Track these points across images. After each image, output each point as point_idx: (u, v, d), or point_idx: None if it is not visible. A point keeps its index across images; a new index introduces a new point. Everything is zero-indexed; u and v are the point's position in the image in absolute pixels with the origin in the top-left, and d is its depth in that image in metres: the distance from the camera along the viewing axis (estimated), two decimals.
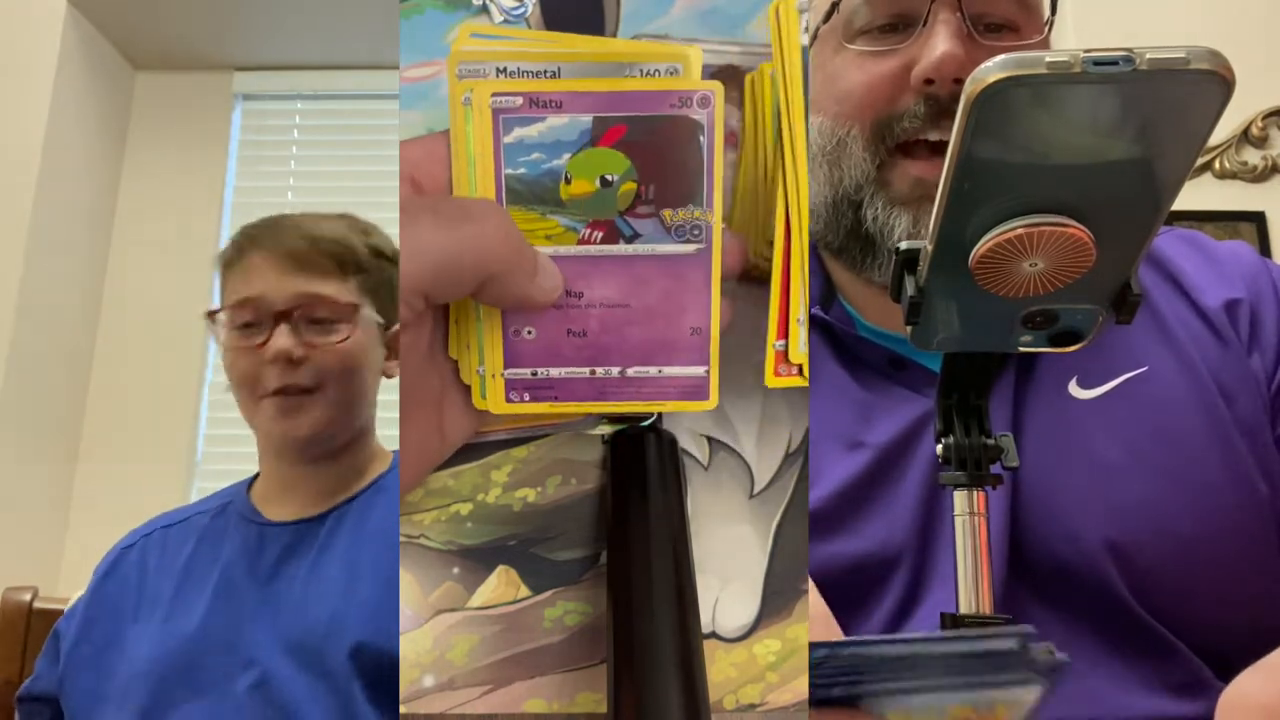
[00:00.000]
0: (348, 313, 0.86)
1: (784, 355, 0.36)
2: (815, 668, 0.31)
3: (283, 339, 0.84)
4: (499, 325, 0.35)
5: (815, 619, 0.36)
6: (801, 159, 0.34)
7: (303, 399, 0.85)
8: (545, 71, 0.34)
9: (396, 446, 0.96)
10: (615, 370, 0.35)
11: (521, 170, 0.34)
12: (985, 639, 0.30)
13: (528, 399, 0.36)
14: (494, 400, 0.35)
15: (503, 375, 0.35)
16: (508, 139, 0.34)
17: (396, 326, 0.94)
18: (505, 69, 0.34)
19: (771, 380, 0.36)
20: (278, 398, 0.85)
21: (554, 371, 0.35)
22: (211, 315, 0.89)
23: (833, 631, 0.35)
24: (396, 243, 0.96)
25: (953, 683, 0.31)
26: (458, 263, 0.32)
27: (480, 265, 0.32)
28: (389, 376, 0.93)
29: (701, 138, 0.34)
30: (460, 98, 0.33)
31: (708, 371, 0.36)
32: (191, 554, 0.89)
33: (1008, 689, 0.30)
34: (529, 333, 0.35)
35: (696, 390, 0.36)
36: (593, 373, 0.35)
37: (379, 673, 0.78)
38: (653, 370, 0.36)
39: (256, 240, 0.88)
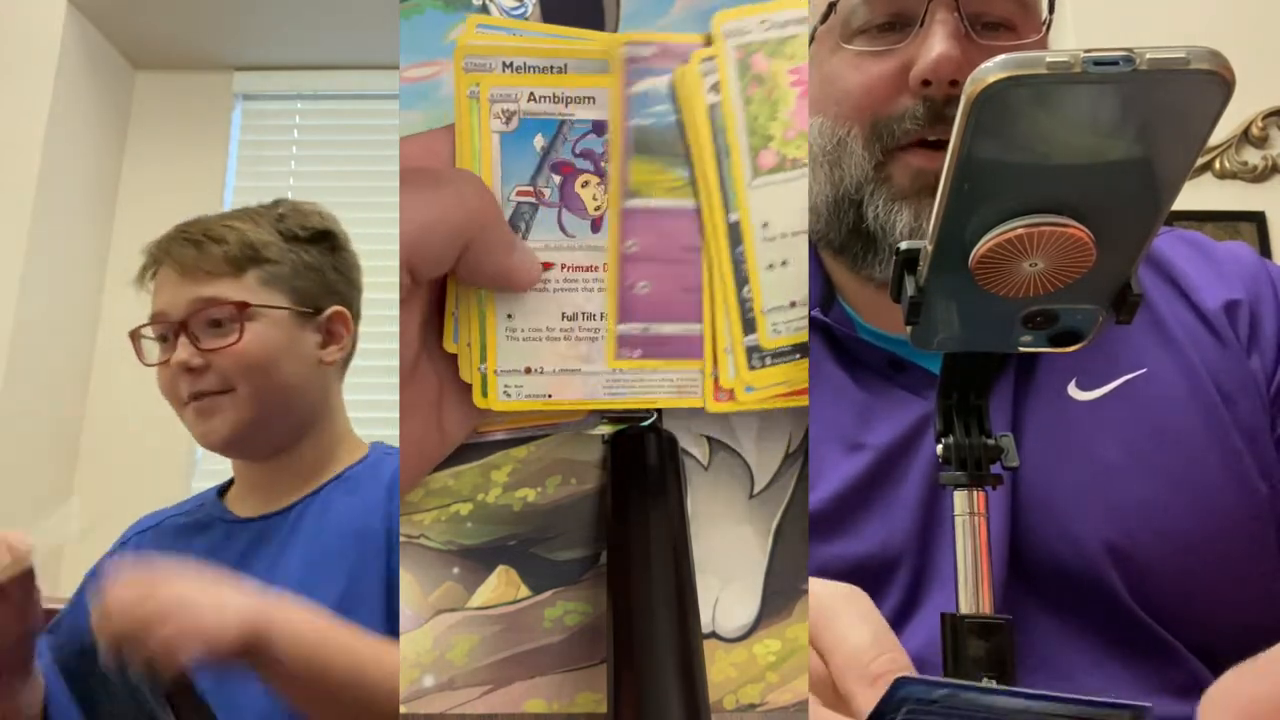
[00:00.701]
0: (236, 311, 0.86)
1: (716, 383, 0.36)
2: (908, 703, 0.30)
3: (180, 350, 0.85)
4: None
5: (880, 635, 0.36)
6: (717, 202, 0.35)
7: (216, 400, 0.85)
8: (552, 67, 0.34)
9: (392, 445, 0.96)
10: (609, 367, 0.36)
11: (649, 121, 0.34)
12: (1098, 708, 0.29)
13: (639, 354, 0.36)
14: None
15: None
16: (635, 89, 0.34)
17: (331, 310, 0.93)
18: (511, 64, 0.34)
19: (711, 405, 0.37)
20: (193, 404, 0.86)
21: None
22: (134, 335, 0.90)
23: (900, 648, 0.35)
24: (328, 223, 0.96)
25: None
26: (434, 228, 0.32)
27: (456, 230, 0.32)
28: (328, 363, 0.92)
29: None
30: (466, 90, 0.33)
31: (701, 371, 0.36)
32: (166, 555, 0.88)
33: None
34: (643, 286, 0.35)
35: (690, 387, 0.36)
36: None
37: None
38: (649, 365, 0.36)
39: (156, 256, 0.89)
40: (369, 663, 0.68)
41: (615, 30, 0.37)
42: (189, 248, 0.87)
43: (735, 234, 0.35)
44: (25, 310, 1.94)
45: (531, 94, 0.34)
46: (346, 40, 2.25)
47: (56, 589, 1.44)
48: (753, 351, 0.36)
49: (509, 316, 0.35)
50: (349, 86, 2.34)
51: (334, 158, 2.34)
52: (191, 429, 0.87)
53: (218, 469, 2.14)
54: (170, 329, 0.86)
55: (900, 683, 0.29)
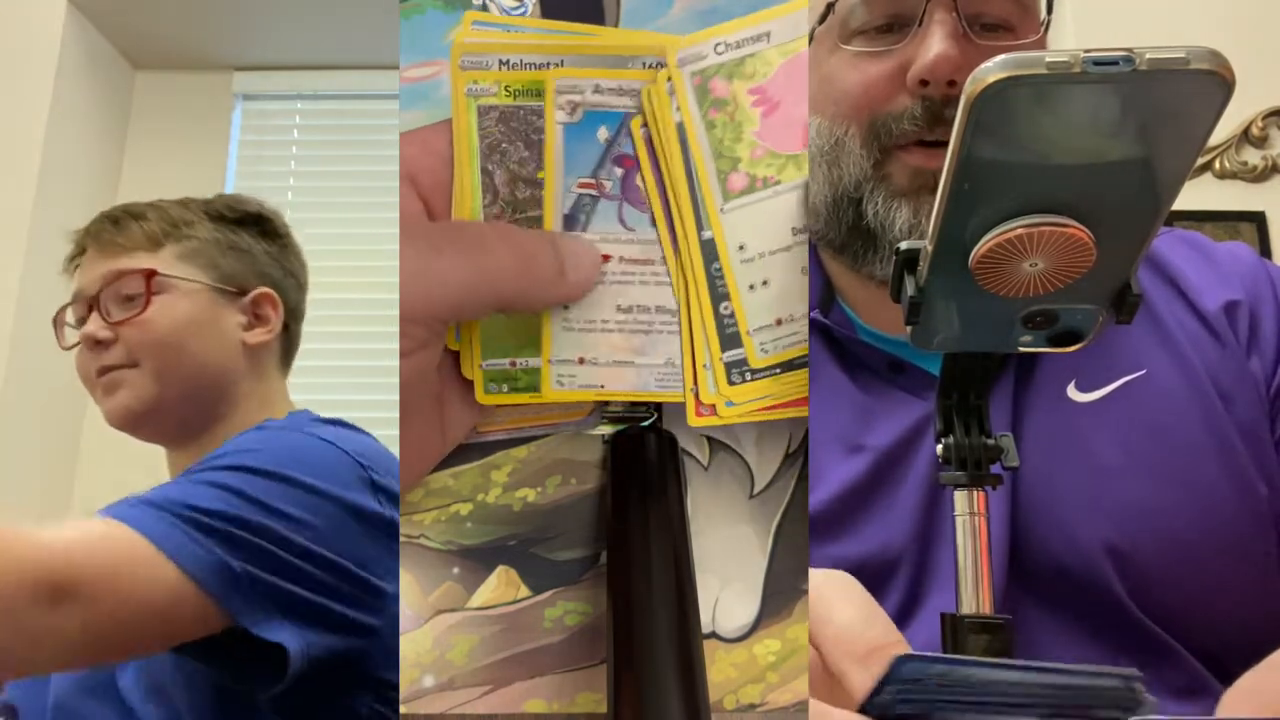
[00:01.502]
0: (144, 281, 0.82)
1: (697, 398, 0.36)
2: (905, 682, 0.30)
3: (90, 324, 0.82)
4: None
5: (872, 617, 0.35)
6: (689, 219, 0.35)
7: (122, 374, 0.82)
8: (549, 63, 0.34)
9: (393, 446, 0.95)
10: (662, 359, 0.36)
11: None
12: (1092, 675, 0.30)
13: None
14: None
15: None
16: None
17: (257, 291, 0.89)
18: (508, 61, 0.34)
19: (693, 420, 0.37)
20: (100, 379, 0.83)
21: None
22: (56, 321, 0.87)
23: (892, 628, 0.35)
24: (266, 211, 0.93)
25: (1054, 715, 0.30)
26: (474, 295, 0.32)
27: (498, 294, 0.32)
28: (252, 345, 0.88)
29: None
30: (464, 89, 0.33)
31: (707, 367, 0.36)
32: None
33: None
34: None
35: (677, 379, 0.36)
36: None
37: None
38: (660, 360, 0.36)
39: (81, 242, 0.87)
40: None
41: (615, 29, 0.37)
42: (107, 224, 0.85)
43: (710, 250, 0.35)
44: (25, 310, 1.94)
45: (597, 86, 0.34)
46: (346, 40, 2.25)
47: None
48: (733, 367, 0.36)
49: (565, 308, 0.35)
50: (349, 86, 2.34)
51: (334, 158, 2.34)
52: (100, 406, 0.84)
53: None
54: (86, 306, 0.84)
55: (901, 660, 0.29)
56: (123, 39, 2.23)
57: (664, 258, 0.36)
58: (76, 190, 2.11)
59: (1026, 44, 0.61)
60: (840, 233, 0.64)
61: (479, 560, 0.39)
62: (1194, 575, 0.54)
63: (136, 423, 0.84)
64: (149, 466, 2.23)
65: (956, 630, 0.36)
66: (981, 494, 0.38)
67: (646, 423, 0.38)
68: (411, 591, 0.38)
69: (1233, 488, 0.56)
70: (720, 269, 0.35)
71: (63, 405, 2.09)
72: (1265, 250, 1.64)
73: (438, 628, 0.38)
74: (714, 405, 0.36)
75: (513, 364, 0.36)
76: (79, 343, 0.83)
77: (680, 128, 0.35)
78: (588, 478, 0.39)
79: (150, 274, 0.82)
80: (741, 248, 0.35)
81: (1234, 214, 1.66)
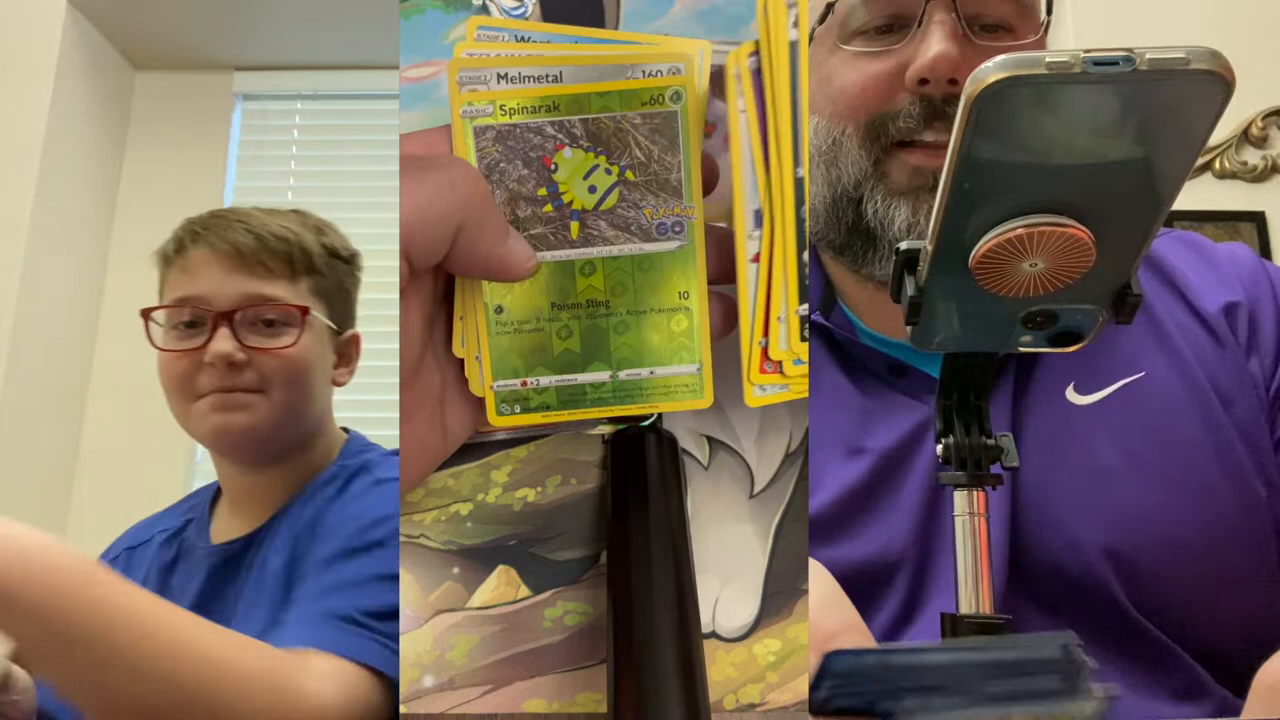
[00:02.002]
0: (297, 316, 0.82)
1: (765, 352, 0.35)
2: (838, 677, 0.30)
3: (223, 342, 0.79)
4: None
5: (830, 604, 0.35)
6: (786, 154, 0.33)
7: (247, 397, 0.81)
8: (547, 76, 0.34)
9: (393, 446, 0.95)
10: (606, 374, 0.35)
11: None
12: (1026, 647, 0.30)
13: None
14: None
15: (493, 389, 0.35)
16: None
17: (350, 333, 0.91)
18: (506, 74, 0.34)
19: (751, 399, 0.35)
20: (214, 396, 0.81)
21: (544, 380, 0.35)
22: (146, 314, 0.84)
23: (849, 615, 0.35)
24: (350, 242, 0.93)
25: (994, 692, 0.30)
26: (426, 211, 0.31)
27: (448, 213, 0.32)
28: (338, 384, 0.90)
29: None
30: (460, 110, 0.33)
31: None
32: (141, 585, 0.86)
33: (1056, 702, 0.30)
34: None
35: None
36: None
37: None
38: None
39: (200, 236, 0.83)
40: (188, 658, 0.56)
41: (615, 29, 0.37)
42: (249, 238, 0.82)
43: (800, 192, 0.33)
44: (25, 310, 1.94)
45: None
46: (346, 40, 2.25)
47: None
48: (805, 322, 0.35)
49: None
50: (349, 86, 2.34)
51: (334, 158, 2.35)
52: (199, 420, 0.81)
53: None
54: (208, 316, 0.81)
55: (831, 656, 0.29)
56: (123, 39, 2.23)
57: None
58: (76, 190, 2.11)
59: (1026, 45, 0.61)
60: (840, 233, 0.64)
61: (479, 560, 0.39)
62: (1193, 577, 0.54)
63: (243, 445, 0.83)
64: (149, 466, 2.23)
65: (956, 630, 0.36)
66: (981, 494, 0.38)
67: (646, 422, 0.38)
68: (411, 591, 0.38)
69: (1232, 489, 0.56)
70: (803, 215, 0.34)
71: (63, 405, 2.09)
72: (1265, 250, 1.64)
73: (438, 628, 0.38)
74: (781, 362, 0.35)
75: (524, 384, 0.35)
76: (191, 348, 0.81)
77: (793, 47, 0.33)
78: (588, 478, 0.39)
79: (305, 311, 0.83)
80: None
81: (1234, 214, 1.66)
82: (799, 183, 0.33)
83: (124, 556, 0.90)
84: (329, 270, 0.87)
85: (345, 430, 0.93)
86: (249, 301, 0.81)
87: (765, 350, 0.35)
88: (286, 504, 0.84)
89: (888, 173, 0.60)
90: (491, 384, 0.35)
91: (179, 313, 0.82)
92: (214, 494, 0.92)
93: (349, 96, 2.35)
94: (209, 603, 0.81)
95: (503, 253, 0.33)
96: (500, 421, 0.36)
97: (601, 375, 0.36)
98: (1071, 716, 0.29)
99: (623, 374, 0.36)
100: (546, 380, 0.35)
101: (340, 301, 0.89)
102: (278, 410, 0.82)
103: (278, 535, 0.82)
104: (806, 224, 0.34)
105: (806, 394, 0.36)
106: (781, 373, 0.35)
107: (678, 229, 0.35)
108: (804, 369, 0.35)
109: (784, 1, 0.33)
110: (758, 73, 0.33)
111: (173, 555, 0.87)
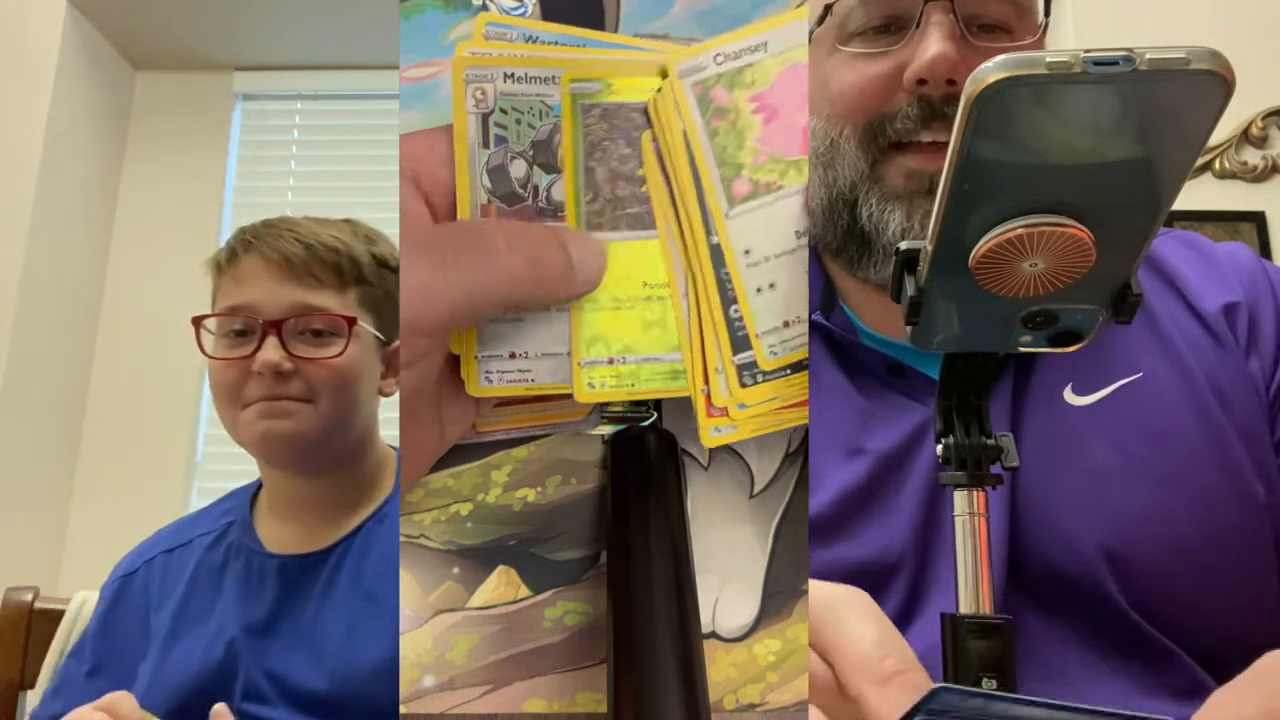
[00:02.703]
0: (344, 326, 0.83)
1: (708, 399, 0.36)
2: (933, 714, 0.30)
3: (271, 351, 0.80)
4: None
5: (853, 604, 0.36)
6: (697, 223, 0.35)
7: (294, 405, 0.82)
8: (554, 78, 0.34)
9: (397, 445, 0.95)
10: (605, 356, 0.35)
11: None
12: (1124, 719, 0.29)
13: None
14: (470, 383, 0.35)
15: (476, 358, 0.35)
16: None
17: (396, 344, 0.91)
18: (513, 74, 0.34)
19: (706, 437, 0.36)
20: (262, 403, 0.82)
21: (532, 350, 0.35)
22: (198, 322, 0.86)
23: (875, 611, 0.35)
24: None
25: None
26: (482, 302, 0.31)
27: (507, 298, 0.32)
28: (385, 395, 0.90)
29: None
30: (466, 103, 0.33)
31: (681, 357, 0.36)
32: (188, 587, 0.86)
33: None
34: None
35: (677, 375, 0.36)
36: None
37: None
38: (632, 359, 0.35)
39: (251, 245, 0.84)
40: None
41: (615, 30, 0.37)
42: (298, 247, 0.83)
43: (718, 256, 0.35)
44: (25, 310, 1.94)
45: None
46: (346, 40, 2.25)
47: (55, 589, 1.44)
48: (744, 369, 0.36)
49: None
50: (349, 86, 2.34)
51: (334, 158, 2.35)
52: (246, 427, 0.83)
53: (218, 469, 2.14)
54: (256, 326, 0.82)
55: (938, 690, 0.29)
56: (123, 39, 2.23)
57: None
58: (76, 190, 2.11)
59: (1024, 46, 0.61)
60: (836, 236, 0.64)
61: (479, 560, 0.39)
62: (1191, 578, 0.54)
63: (289, 453, 0.84)
64: (149, 466, 2.23)
65: (956, 630, 0.36)
66: (981, 494, 0.38)
67: (646, 422, 0.38)
68: (411, 591, 0.38)
69: (1231, 490, 0.56)
70: (728, 273, 0.35)
71: (63, 405, 2.09)
72: (1265, 250, 1.64)
73: (438, 628, 0.38)
74: (726, 408, 0.36)
75: (511, 356, 0.35)
76: (240, 356, 0.82)
77: (685, 136, 0.35)
78: (588, 478, 0.39)
79: (352, 322, 0.84)
80: (747, 252, 0.35)
81: (1234, 214, 1.66)
82: (714, 249, 0.35)
83: (161, 560, 0.90)
84: (378, 280, 0.88)
85: (393, 448, 0.94)
86: (297, 311, 0.82)
87: (708, 397, 0.36)
88: (358, 524, 0.86)
89: (883, 176, 0.60)
90: (476, 354, 0.35)
91: (229, 321, 0.84)
92: (249, 498, 0.92)
93: (349, 96, 2.35)
94: (284, 611, 0.82)
95: (567, 294, 0.34)
96: (480, 392, 0.35)
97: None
98: None
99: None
100: (534, 353, 0.35)
101: (389, 311, 0.89)
102: (324, 419, 0.83)
103: (353, 555, 0.84)
104: (735, 279, 0.36)
105: (755, 433, 0.37)
106: (728, 415, 0.36)
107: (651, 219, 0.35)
108: (750, 411, 0.36)
109: (670, 101, 0.34)
110: (658, 152, 0.35)
111: (221, 558, 0.88)
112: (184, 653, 0.82)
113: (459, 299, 0.31)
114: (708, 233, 0.35)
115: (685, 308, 0.36)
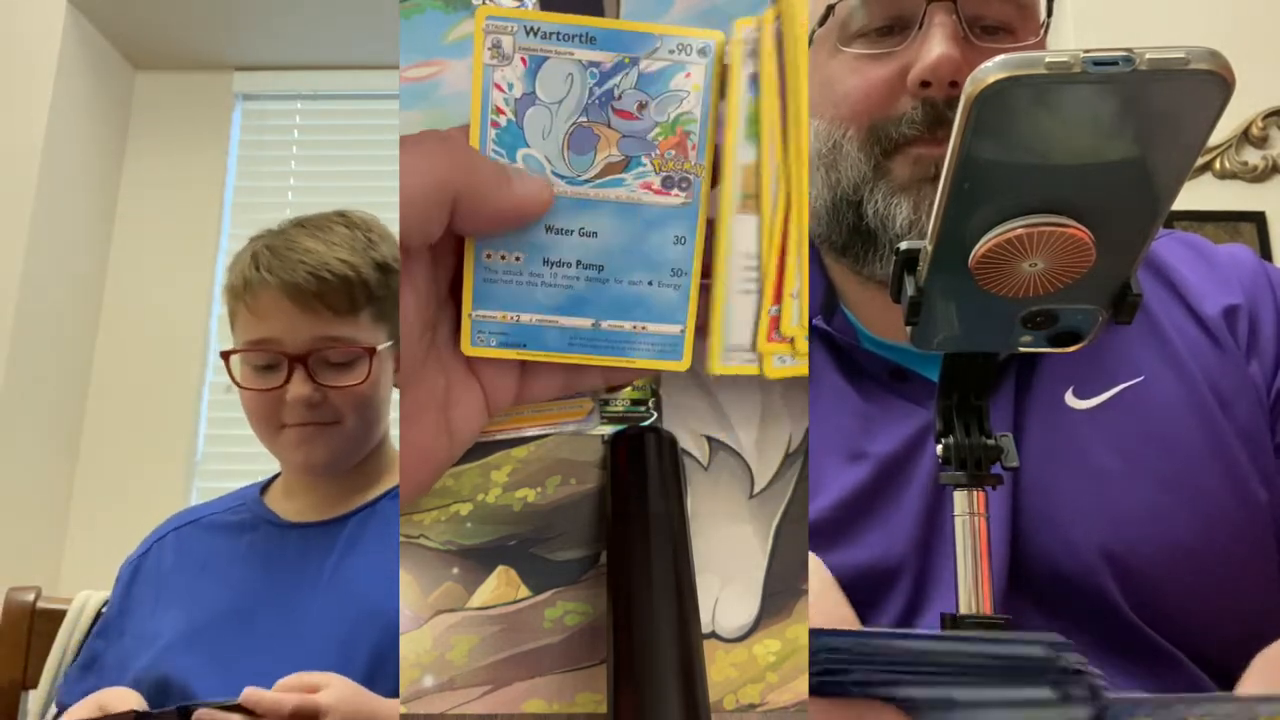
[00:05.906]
0: (365, 355, 0.88)
1: (776, 323, 0.34)
2: (832, 652, 0.30)
3: (301, 386, 0.85)
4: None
5: (818, 597, 0.36)
6: (805, 131, 0.33)
7: (322, 429, 0.87)
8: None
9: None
10: (589, 322, 0.35)
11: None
12: (1011, 643, 0.30)
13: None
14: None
15: (471, 316, 0.34)
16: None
17: None
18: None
19: (770, 366, 0.34)
20: (296, 429, 0.87)
21: (524, 317, 0.34)
22: (226, 356, 0.90)
23: (843, 611, 0.35)
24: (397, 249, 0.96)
25: (991, 697, 0.30)
26: (416, 190, 0.31)
27: (437, 187, 0.31)
28: (398, 387, 0.94)
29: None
30: (485, 47, 0.33)
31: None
32: (209, 550, 0.90)
33: (1051, 709, 0.29)
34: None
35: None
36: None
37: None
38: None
39: (263, 277, 0.87)
40: None
41: None
42: (310, 279, 0.86)
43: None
44: (25, 310, 1.94)
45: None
46: (346, 40, 2.25)
47: (56, 589, 1.44)
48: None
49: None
50: (349, 86, 2.34)
51: (334, 158, 2.35)
52: (286, 451, 0.89)
53: (218, 469, 2.14)
54: (282, 360, 0.86)
55: (810, 634, 0.30)
56: (123, 39, 2.23)
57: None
58: (76, 190, 2.11)
59: (1026, 46, 0.60)
60: (841, 234, 0.64)
61: (479, 560, 0.39)
62: (1192, 581, 0.54)
63: (324, 471, 0.90)
64: (149, 466, 2.23)
65: (957, 629, 0.36)
66: (981, 494, 0.38)
67: (646, 423, 0.38)
68: (411, 591, 0.38)
69: (1231, 493, 0.55)
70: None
71: (63, 405, 2.09)
72: (1265, 250, 1.64)
73: (438, 628, 0.38)
74: (794, 337, 0.34)
75: (504, 318, 0.34)
76: (269, 388, 0.86)
77: (781, 70, 0.33)
78: (588, 478, 0.39)
79: (372, 351, 0.88)
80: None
81: (1234, 214, 1.66)
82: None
83: (173, 536, 0.94)
84: (385, 289, 0.91)
85: None
86: (319, 345, 0.86)
87: (776, 321, 0.34)
88: (376, 496, 0.91)
89: (889, 170, 0.60)
90: (470, 312, 0.34)
91: (256, 356, 0.88)
92: (259, 490, 0.96)
93: (349, 96, 2.35)
94: (304, 570, 0.87)
95: (509, 202, 0.32)
96: (473, 352, 0.34)
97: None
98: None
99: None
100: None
101: (395, 317, 0.92)
102: (353, 435, 0.89)
103: (376, 519, 0.89)
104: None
105: (806, 373, 0.35)
106: (793, 346, 0.34)
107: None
108: (805, 355, 0.35)
109: (771, 33, 0.33)
110: (779, 42, 0.33)
111: (237, 524, 0.92)
112: (202, 609, 0.85)
113: (407, 196, 0.31)
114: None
115: (768, 224, 0.34)
